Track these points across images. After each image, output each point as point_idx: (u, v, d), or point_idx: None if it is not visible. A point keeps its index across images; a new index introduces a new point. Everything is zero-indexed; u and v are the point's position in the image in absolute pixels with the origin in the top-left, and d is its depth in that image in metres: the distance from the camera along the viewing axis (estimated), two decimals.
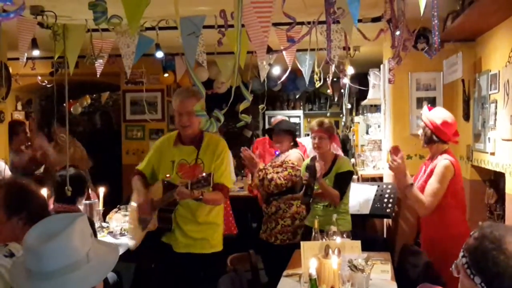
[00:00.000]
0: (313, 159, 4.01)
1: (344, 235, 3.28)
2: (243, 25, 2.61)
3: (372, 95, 6.26)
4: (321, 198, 4.08)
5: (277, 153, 4.64)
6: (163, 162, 3.41)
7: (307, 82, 5.04)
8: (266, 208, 4.44)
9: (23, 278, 1.53)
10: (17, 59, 4.23)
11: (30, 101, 8.34)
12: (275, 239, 4.34)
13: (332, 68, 4.37)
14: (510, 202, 3.54)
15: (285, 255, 3.67)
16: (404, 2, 2.66)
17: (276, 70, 6.63)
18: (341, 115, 9.99)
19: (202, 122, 2.89)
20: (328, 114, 9.98)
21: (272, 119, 5.43)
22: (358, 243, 3.16)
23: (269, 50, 3.56)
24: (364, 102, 7.40)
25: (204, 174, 3.07)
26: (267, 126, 8.88)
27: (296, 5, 3.04)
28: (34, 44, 4.26)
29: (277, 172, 4.29)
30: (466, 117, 4.40)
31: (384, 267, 3.21)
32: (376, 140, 6.66)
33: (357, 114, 9.02)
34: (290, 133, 4.52)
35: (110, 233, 4.21)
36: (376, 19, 4.39)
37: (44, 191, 3.92)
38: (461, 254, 1.57)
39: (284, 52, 4.11)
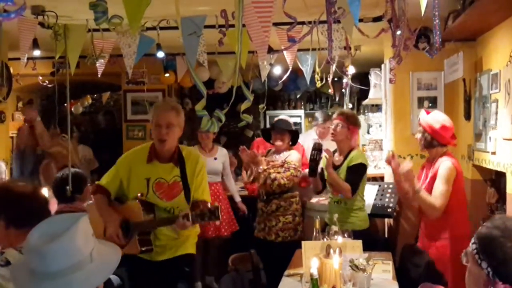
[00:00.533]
0: (327, 152, 4.01)
1: (346, 235, 3.28)
2: (244, 25, 2.62)
3: (373, 95, 6.25)
4: (332, 190, 4.07)
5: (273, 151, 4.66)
6: (134, 179, 3.12)
7: (308, 82, 5.04)
8: (264, 207, 4.46)
9: (26, 279, 1.53)
10: (18, 59, 4.23)
11: (31, 101, 8.34)
12: (276, 236, 4.37)
13: (333, 67, 4.37)
14: (511, 201, 3.54)
15: (286, 252, 3.70)
16: (405, 1, 2.66)
17: (277, 70, 6.63)
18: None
19: (203, 122, 2.89)
20: (329, 114, 9.96)
21: (275, 119, 5.45)
22: (359, 243, 3.15)
23: (270, 50, 3.57)
24: (365, 102, 7.39)
25: (209, 206, 2.97)
26: (268, 126, 8.87)
27: (296, 4, 3.04)
28: (35, 44, 4.26)
29: (279, 172, 4.34)
30: (467, 116, 4.40)
31: (386, 266, 3.21)
32: (377, 140, 6.65)
33: (358, 114, 9.01)
34: (290, 132, 4.54)
35: None
36: (377, 19, 4.39)
37: (45, 191, 3.94)
38: (471, 241, 1.64)
39: (285, 52, 4.11)
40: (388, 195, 4.74)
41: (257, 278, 3.59)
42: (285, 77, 4.90)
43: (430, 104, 4.80)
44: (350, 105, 8.86)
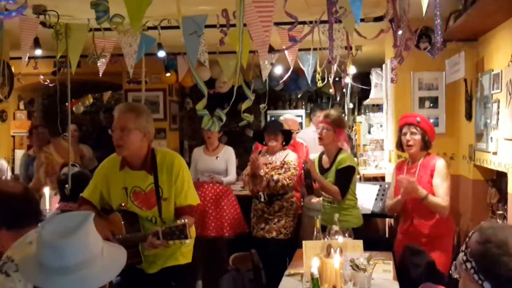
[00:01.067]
0: (306, 162, 4.08)
1: (346, 235, 3.28)
2: (245, 25, 2.62)
3: (374, 95, 6.26)
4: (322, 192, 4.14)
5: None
6: (113, 188, 2.91)
7: (309, 82, 5.04)
8: (266, 208, 4.49)
9: (39, 274, 1.55)
10: (20, 58, 4.24)
11: (32, 101, 8.36)
12: (278, 233, 4.43)
13: (334, 67, 4.37)
14: None
15: (285, 249, 3.74)
16: (406, 1, 2.66)
17: (278, 70, 6.63)
18: (343, 115, 9.97)
19: (204, 121, 2.89)
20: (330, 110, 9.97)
21: (281, 118, 5.48)
22: (360, 243, 3.15)
23: (271, 50, 3.57)
24: (366, 102, 7.40)
25: (178, 222, 2.67)
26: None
27: (298, 4, 3.03)
28: (37, 43, 4.26)
29: (280, 174, 4.38)
30: (469, 116, 4.40)
31: (386, 266, 3.21)
32: (378, 140, 6.66)
33: (359, 114, 9.01)
34: (282, 132, 4.61)
35: None
36: (378, 19, 4.39)
37: (47, 191, 3.95)
38: (463, 257, 1.55)
39: (286, 52, 4.11)
40: (388, 195, 4.73)
41: (258, 278, 3.59)
42: (286, 76, 4.90)
43: (431, 104, 4.79)
44: (351, 105, 8.87)
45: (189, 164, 8.15)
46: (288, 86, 8.27)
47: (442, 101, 4.79)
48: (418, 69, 4.78)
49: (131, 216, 2.88)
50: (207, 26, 3.30)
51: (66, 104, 5.02)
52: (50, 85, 6.04)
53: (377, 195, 4.73)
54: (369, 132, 7.29)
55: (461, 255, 1.57)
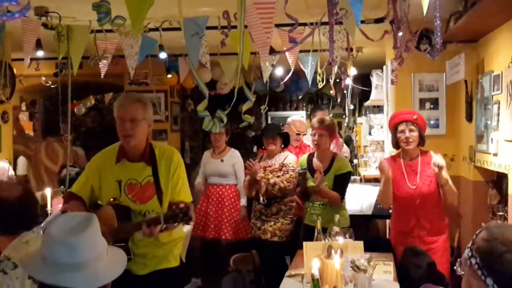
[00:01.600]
0: (304, 169, 4.13)
1: (347, 235, 3.28)
2: (246, 26, 2.63)
3: (375, 96, 6.27)
4: (318, 197, 4.14)
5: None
6: (105, 183, 2.86)
7: (309, 83, 5.05)
8: (264, 209, 4.50)
9: (49, 272, 1.57)
10: (22, 59, 4.24)
11: (34, 102, 8.37)
12: (273, 235, 4.41)
13: (335, 69, 4.38)
14: None
15: (280, 252, 3.73)
16: (407, 3, 2.67)
17: (279, 71, 6.64)
18: (343, 116, 9.99)
19: (205, 123, 2.89)
20: (330, 115, 9.95)
21: (289, 119, 5.45)
22: (360, 244, 3.16)
23: (272, 51, 3.57)
24: (366, 103, 7.40)
25: (181, 205, 2.61)
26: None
27: (298, 6, 3.05)
28: (38, 45, 4.27)
29: (278, 176, 4.38)
30: (469, 118, 4.40)
31: (387, 267, 3.22)
32: (379, 141, 6.67)
33: (359, 115, 9.02)
34: (281, 135, 4.60)
35: None
36: (379, 20, 4.39)
37: (48, 191, 3.96)
38: (468, 253, 1.57)
39: (286, 53, 4.11)
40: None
41: (258, 279, 3.60)
42: (286, 78, 4.90)
43: (431, 106, 4.80)
44: (352, 106, 8.88)
45: (188, 164, 8.18)
46: (288, 87, 8.27)
47: (443, 102, 4.80)
48: (419, 70, 4.79)
49: (123, 210, 2.82)
50: (208, 28, 3.31)
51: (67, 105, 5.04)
52: (52, 86, 6.04)
53: (378, 196, 4.73)
54: (370, 134, 7.30)
55: (466, 251, 1.59)
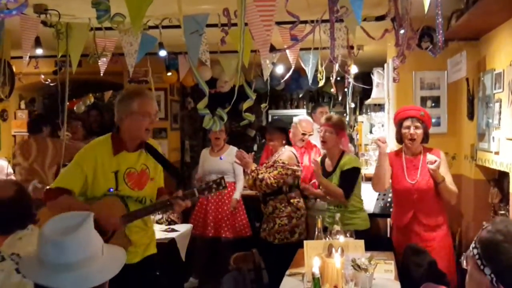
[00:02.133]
0: (314, 163, 4.11)
1: (348, 234, 3.27)
2: (246, 24, 2.61)
3: (376, 94, 6.25)
4: (324, 198, 4.09)
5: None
6: (100, 174, 2.87)
7: (310, 81, 5.02)
8: (263, 208, 4.47)
9: (41, 272, 1.57)
10: (21, 57, 4.23)
11: (33, 100, 8.36)
12: (274, 238, 4.36)
13: (336, 67, 4.36)
14: None
15: (283, 254, 3.70)
16: (408, 0, 2.65)
17: (280, 69, 6.63)
18: (344, 114, 9.96)
19: (205, 121, 2.88)
20: (331, 113, 9.95)
21: (295, 119, 5.40)
22: (361, 243, 3.15)
23: (272, 49, 3.55)
24: (367, 101, 7.38)
25: (215, 178, 2.96)
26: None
27: (299, 3, 3.03)
28: (38, 42, 4.26)
29: (269, 172, 4.29)
30: (471, 116, 4.39)
31: (388, 266, 3.21)
32: None
33: (360, 113, 9.00)
34: (282, 131, 4.51)
35: None
36: (380, 18, 4.38)
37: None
38: (472, 245, 1.60)
39: (287, 51, 4.10)
40: (390, 194, 4.72)
41: (259, 278, 3.59)
42: (287, 76, 4.88)
43: (433, 104, 4.79)
44: (353, 105, 8.86)
45: (188, 163, 8.15)
46: (289, 85, 8.26)
47: (444, 100, 4.78)
48: (420, 68, 4.77)
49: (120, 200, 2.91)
50: (208, 25, 3.29)
51: (67, 103, 5.02)
52: (51, 84, 6.04)
53: (379, 195, 4.72)
54: (371, 132, 7.28)
55: (472, 245, 1.61)
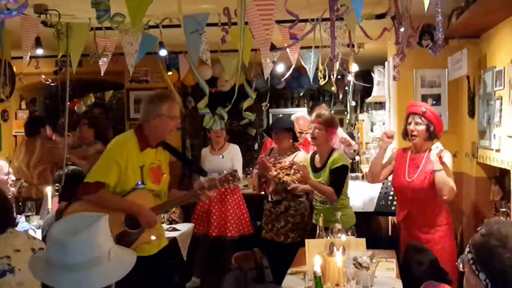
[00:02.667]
0: (297, 170, 4.08)
1: (349, 233, 3.27)
2: (246, 23, 2.61)
3: (377, 92, 6.24)
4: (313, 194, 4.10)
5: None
6: (130, 169, 3.04)
7: (311, 80, 5.02)
8: (273, 208, 4.37)
9: (45, 270, 1.58)
10: (21, 58, 4.23)
11: (34, 100, 8.36)
12: (286, 237, 4.29)
13: (336, 65, 4.36)
14: None
15: (295, 252, 3.66)
16: None
17: (280, 68, 6.62)
18: (345, 113, 9.97)
19: (205, 120, 2.89)
20: (332, 112, 9.95)
21: (292, 116, 5.39)
22: (363, 241, 3.14)
23: (273, 48, 3.55)
24: (368, 100, 7.38)
25: (230, 171, 3.20)
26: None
27: (299, 2, 3.03)
28: (38, 42, 4.26)
29: (288, 174, 4.24)
30: (471, 114, 4.39)
31: (389, 264, 3.21)
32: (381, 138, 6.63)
33: (361, 112, 9.00)
34: (289, 130, 4.46)
35: None
36: (380, 16, 4.38)
37: (49, 190, 3.95)
38: (467, 249, 1.58)
39: (287, 50, 4.09)
40: (391, 193, 4.72)
41: (261, 276, 3.59)
42: (287, 75, 4.88)
43: (434, 102, 4.78)
44: (354, 103, 8.86)
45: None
46: (290, 84, 8.26)
47: (445, 98, 4.78)
48: (421, 66, 4.76)
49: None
50: (208, 25, 3.29)
51: (68, 103, 5.01)
52: (52, 84, 6.03)
53: (380, 193, 4.72)
54: (372, 130, 7.28)
55: (466, 249, 1.60)
